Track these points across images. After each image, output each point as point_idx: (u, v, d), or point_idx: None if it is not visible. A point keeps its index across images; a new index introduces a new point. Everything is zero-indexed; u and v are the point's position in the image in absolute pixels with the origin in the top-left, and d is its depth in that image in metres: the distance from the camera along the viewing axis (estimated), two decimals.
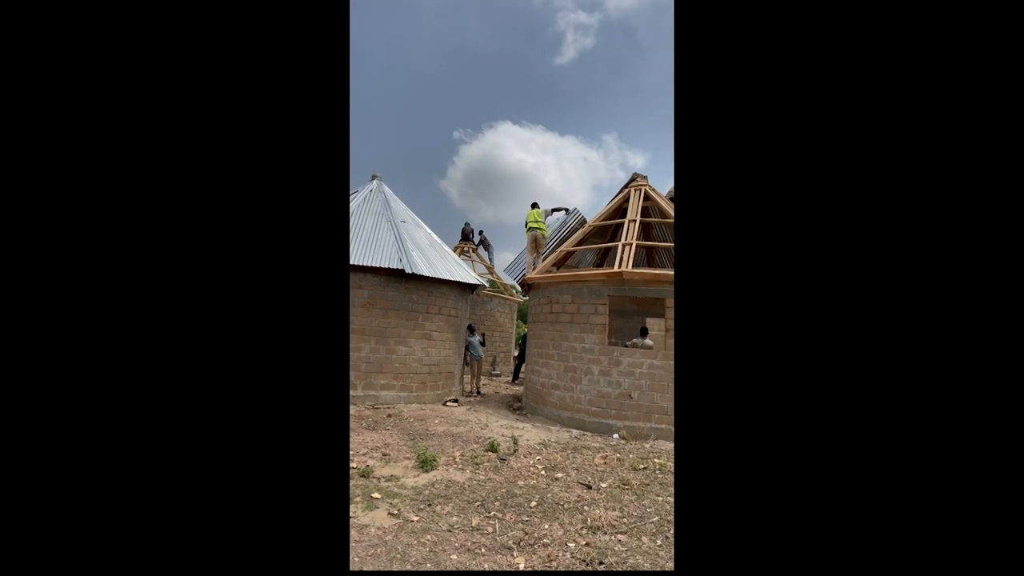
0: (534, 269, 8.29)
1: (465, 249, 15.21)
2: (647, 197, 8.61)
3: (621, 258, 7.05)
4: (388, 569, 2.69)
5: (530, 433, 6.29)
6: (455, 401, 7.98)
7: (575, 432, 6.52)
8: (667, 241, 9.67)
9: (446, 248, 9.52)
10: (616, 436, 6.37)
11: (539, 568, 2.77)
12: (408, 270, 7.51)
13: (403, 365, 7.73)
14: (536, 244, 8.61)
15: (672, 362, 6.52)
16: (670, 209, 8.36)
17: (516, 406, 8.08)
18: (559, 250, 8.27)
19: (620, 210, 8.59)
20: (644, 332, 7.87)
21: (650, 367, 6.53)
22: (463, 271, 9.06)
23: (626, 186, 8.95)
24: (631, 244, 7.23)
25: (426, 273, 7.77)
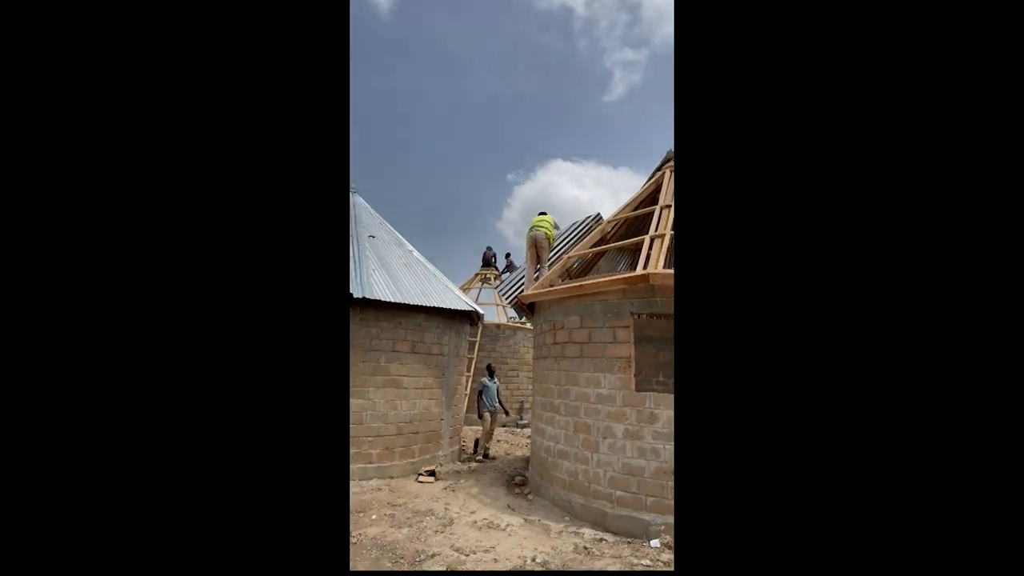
0: (534, 284, 6.07)
1: (487, 276, 13.26)
2: None
3: (648, 257, 4.69)
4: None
5: (512, 540, 3.93)
6: (432, 474, 5.77)
7: (588, 534, 4.06)
8: None
9: (433, 270, 7.58)
10: (655, 543, 3.85)
11: None
12: (358, 294, 5.60)
13: (358, 425, 5.70)
14: (536, 247, 6.38)
15: None
16: None
17: (519, 479, 5.72)
18: (567, 256, 6.03)
19: (651, 199, 6.27)
20: None
21: None
22: (452, 296, 7.03)
23: (659, 169, 6.63)
24: (663, 236, 4.86)
25: (386, 298, 5.82)
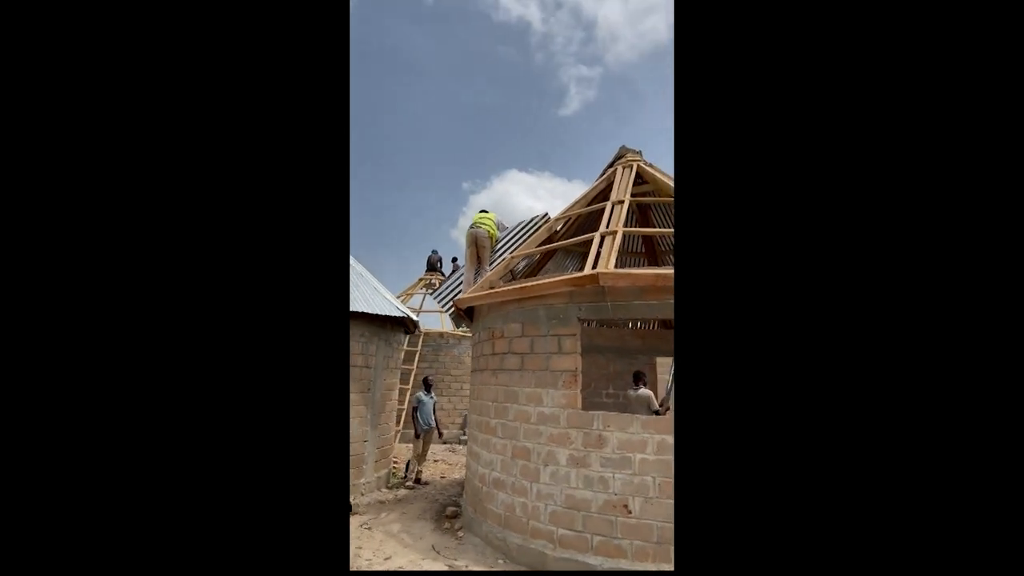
0: (472, 287, 5.38)
1: (431, 281, 12.45)
2: (641, 177, 5.80)
3: (598, 255, 4.14)
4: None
5: None
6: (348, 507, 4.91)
7: None
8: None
9: (361, 270, 6.75)
10: None
11: None
12: None
13: None
14: (477, 246, 5.71)
15: None
16: None
17: (451, 511, 4.97)
18: (511, 256, 5.40)
19: (603, 195, 5.78)
20: (639, 378, 4.84)
21: (661, 448, 3.46)
22: (382, 300, 6.22)
23: (611, 165, 6.18)
24: (614, 233, 4.34)
25: None
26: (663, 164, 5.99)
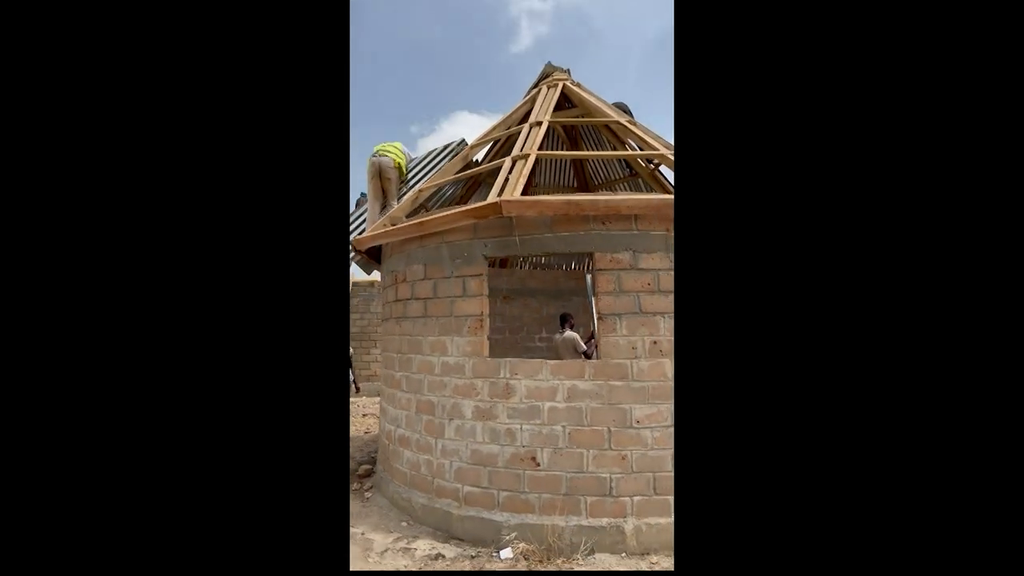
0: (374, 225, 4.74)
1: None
2: (568, 98, 5.18)
3: (505, 182, 3.58)
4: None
5: None
6: None
7: (422, 549, 3.07)
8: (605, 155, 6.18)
9: None
10: (506, 554, 2.96)
11: None
12: None
13: None
14: (381, 179, 4.98)
15: (614, 383, 3.12)
16: (608, 109, 4.93)
17: (364, 470, 4.61)
18: (420, 188, 4.74)
19: (525, 120, 5.14)
20: (565, 320, 4.50)
21: (572, 395, 3.13)
22: None
23: (536, 85, 5.50)
24: (527, 157, 3.77)
25: None
26: (618, 99, 5.38)
